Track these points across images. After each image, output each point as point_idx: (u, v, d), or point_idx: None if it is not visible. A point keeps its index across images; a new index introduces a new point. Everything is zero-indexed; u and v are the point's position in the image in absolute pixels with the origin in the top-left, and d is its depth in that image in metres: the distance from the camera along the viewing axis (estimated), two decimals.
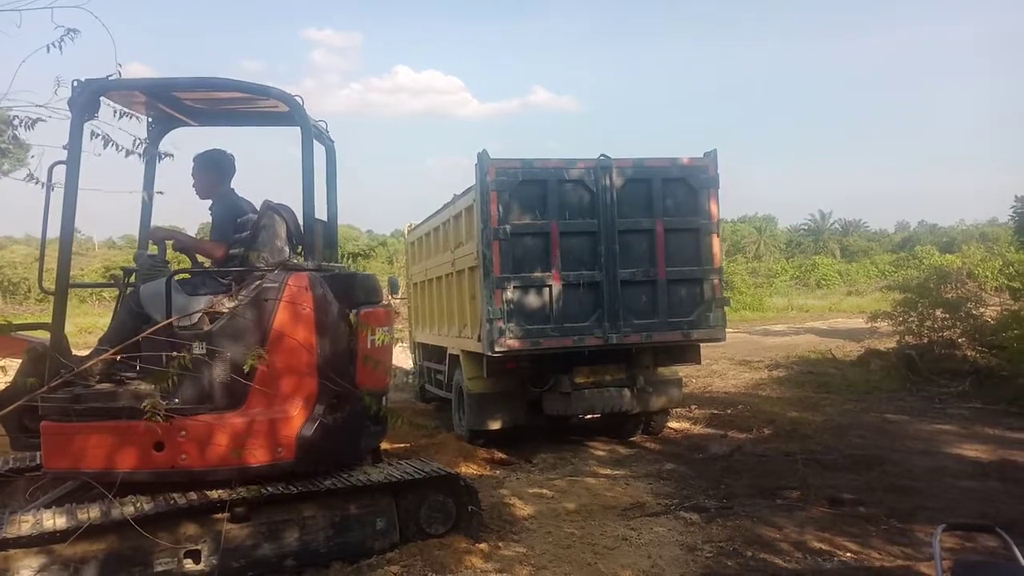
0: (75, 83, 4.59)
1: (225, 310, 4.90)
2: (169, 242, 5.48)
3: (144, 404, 4.03)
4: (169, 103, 5.60)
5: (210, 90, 5.46)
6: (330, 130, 5.87)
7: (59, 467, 4.88)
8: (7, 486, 5.59)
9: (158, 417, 3.98)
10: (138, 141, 4.52)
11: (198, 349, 4.61)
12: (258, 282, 4.96)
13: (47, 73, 4.60)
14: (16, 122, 4.51)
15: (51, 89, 4.36)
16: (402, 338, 14.88)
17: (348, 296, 5.27)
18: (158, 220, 5.99)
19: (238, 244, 5.36)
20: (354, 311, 5.13)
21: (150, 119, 5.76)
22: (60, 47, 3.74)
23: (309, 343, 4.93)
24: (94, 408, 4.79)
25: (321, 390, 4.97)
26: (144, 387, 4.74)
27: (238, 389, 4.79)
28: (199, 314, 4.92)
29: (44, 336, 5.07)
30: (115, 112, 4.92)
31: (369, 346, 5.22)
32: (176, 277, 5.11)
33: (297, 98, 5.09)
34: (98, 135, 4.39)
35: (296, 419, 4.93)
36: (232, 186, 5.63)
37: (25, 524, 4.39)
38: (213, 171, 5.56)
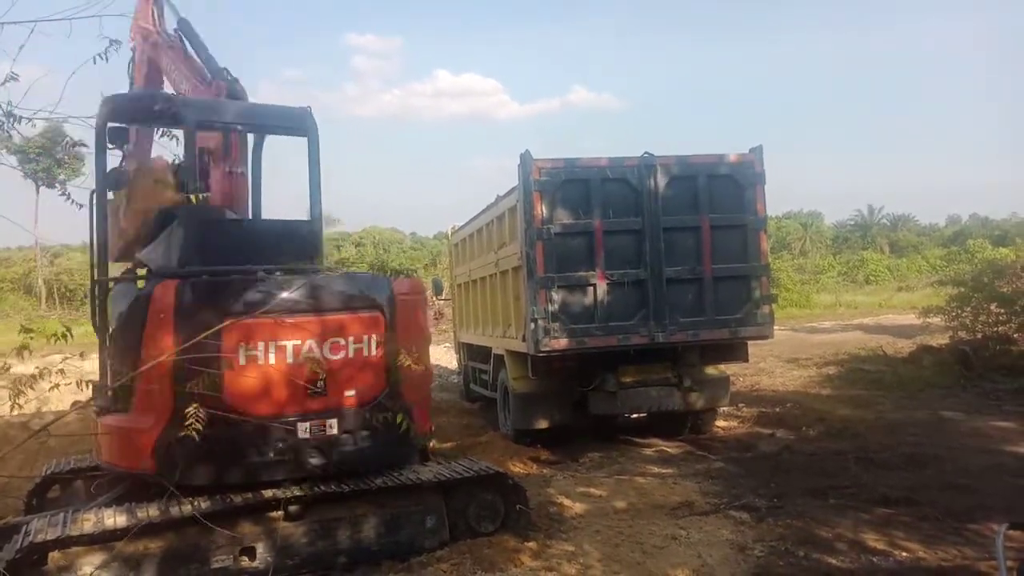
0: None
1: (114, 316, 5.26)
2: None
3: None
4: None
5: None
6: (315, 115, 5.72)
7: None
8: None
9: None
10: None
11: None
12: (139, 290, 5.22)
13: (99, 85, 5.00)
14: (64, 141, 5.22)
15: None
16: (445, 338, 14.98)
17: (239, 304, 4.89)
18: None
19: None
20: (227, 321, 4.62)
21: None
22: (106, 58, 4.03)
23: (165, 353, 4.56)
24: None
25: (179, 404, 4.49)
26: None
27: (118, 395, 5.02)
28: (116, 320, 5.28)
29: None
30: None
31: (243, 361, 4.85)
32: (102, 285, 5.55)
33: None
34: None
35: (153, 430, 4.86)
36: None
37: (87, 523, 4.56)
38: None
